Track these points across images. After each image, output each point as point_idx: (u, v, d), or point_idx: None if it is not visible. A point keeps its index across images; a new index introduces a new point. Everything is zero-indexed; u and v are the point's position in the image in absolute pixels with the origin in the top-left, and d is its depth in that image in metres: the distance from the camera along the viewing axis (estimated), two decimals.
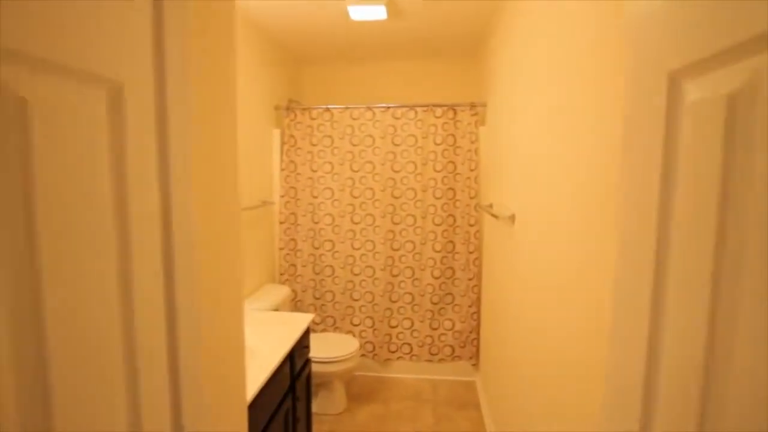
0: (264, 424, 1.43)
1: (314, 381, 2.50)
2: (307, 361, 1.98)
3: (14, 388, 0.38)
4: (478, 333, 2.91)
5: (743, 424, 0.37)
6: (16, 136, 0.38)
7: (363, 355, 3.01)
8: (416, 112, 2.83)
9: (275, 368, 1.48)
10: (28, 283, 0.39)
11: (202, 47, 0.73)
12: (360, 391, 2.86)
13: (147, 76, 0.55)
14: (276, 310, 2.44)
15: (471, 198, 2.79)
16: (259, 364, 1.49)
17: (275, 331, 1.78)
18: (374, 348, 2.99)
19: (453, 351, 2.96)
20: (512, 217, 1.86)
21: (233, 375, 0.90)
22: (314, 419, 2.53)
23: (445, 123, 2.81)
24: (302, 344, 1.86)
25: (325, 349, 2.50)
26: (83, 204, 0.46)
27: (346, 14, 2.34)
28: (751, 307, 0.36)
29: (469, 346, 2.92)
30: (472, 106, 2.76)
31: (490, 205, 2.46)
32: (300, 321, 1.90)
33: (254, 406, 1.31)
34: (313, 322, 3.05)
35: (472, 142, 2.77)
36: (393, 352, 3.01)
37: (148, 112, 0.56)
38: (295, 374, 1.76)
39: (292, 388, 1.73)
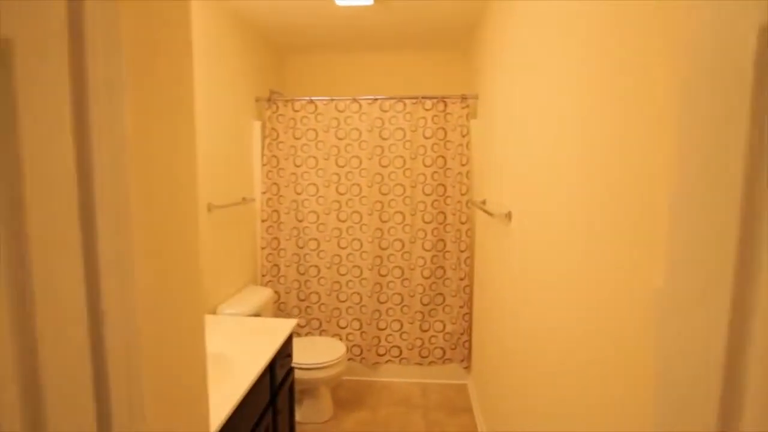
0: None
1: (298, 388, 2.36)
2: (290, 370, 1.84)
3: None
4: (469, 335, 2.80)
5: None
6: None
7: (350, 359, 2.88)
8: (405, 105, 2.70)
9: (252, 383, 1.34)
10: None
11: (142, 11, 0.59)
12: (347, 396, 2.73)
13: (54, 40, 0.41)
14: (257, 314, 2.29)
15: (462, 194, 2.67)
16: (236, 379, 1.35)
17: (254, 339, 1.64)
18: (362, 351, 2.86)
19: (444, 353, 2.85)
20: (509, 215, 1.75)
21: (191, 401, 0.76)
22: (298, 429, 2.39)
23: (435, 116, 2.69)
24: (284, 353, 1.72)
25: (310, 354, 2.36)
26: None
27: (331, 0, 2.20)
28: None
29: (460, 348, 2.81)
30: (463, 98, 2.64)
31: (483, 202, 2.35)
32: (282, 327, 1.76)
33: (228, 429, 1.17)
34: (298, 325, 2.91)
35: (463, 136, 2.65)
36: (381, 355, 2.88)
37: (58, 82, 0.41)
38: (275, 386, 1.62)
39: (272, 402, 1.60)
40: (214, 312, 2.20)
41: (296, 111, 2.77)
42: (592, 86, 0.95)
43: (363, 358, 2.86)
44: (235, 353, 1.52)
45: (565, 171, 1.15)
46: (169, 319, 0.65)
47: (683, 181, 0.44)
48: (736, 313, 0.38)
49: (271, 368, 1.58)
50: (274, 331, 1.71)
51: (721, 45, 0.40)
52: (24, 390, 0.39)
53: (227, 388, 1.29)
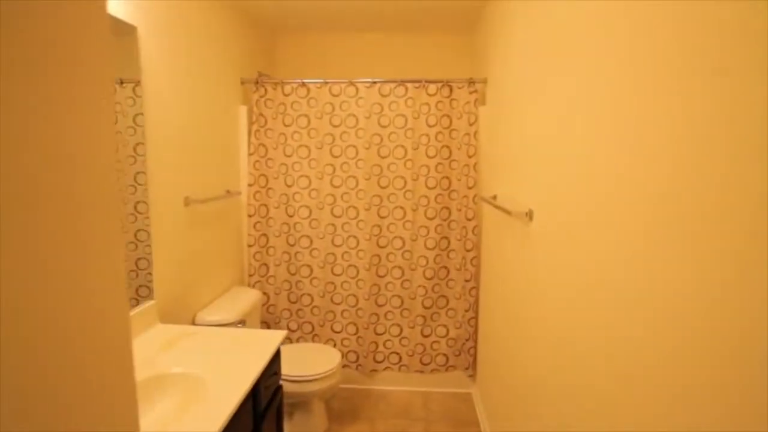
0: None
1: (289, 401, 2.13)
2: (278, 389, 1.61)
3: None
4: (475, 340, 2.58)
5: None
6: None
7: (345, 366, 2.65)
8: (407, 89, 2.45)
9: (231, 415, 1.11)
10: None
11: None
12: (342, 407, 2.51)
13: None
14: (243, 319, 2.05)
15: (469, 188, 2.44)
16: (210, 408, 1.11)
17: (235, 355, 1.40)
18: (358, 358, 2.63)
19: (447, 360, 2.63)
20: (529, 214, 1.52)
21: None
22: None
23: (440, 102, 2.44)
24: (271, 371, 1.48)
25: (302, 364, 2.13)
26: None
27: None
28: None
29: (464, 355, 2.60)
30: (471, 82, 2.39)
31: (494, 197, 2.12)
32: (269, 340, 1.52)
33: None
34: (289, 329, 2.67)
35: (471, 124, 2.41)
36: (379, 362, 2.66)
37: None
38: (259, 412, 1.39)
39: (255, 431, 1.36)
40: (192, 320, 1.96)
41: (286, 95, 2.51)
42: (658, 74, 0.71)
43: (359, 365, 2.64)
44: (211, 374, 1.28)
45: (608, 167, 0.92)
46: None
47: None
48: None
49: (254, 391, 1.35)
50: (259, 346, 1.47)
51: None
52: None
53: (199, 420, 1.06)
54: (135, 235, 1.56)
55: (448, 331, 2.61)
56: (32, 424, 0.37)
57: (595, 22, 1.01)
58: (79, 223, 0.42)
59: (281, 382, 2.00)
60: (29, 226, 0.36)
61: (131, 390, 0.51)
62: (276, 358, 1.54)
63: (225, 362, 1.36)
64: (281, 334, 1.58)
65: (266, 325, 2.65)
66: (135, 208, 1.56)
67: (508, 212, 1.62)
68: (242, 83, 2.50)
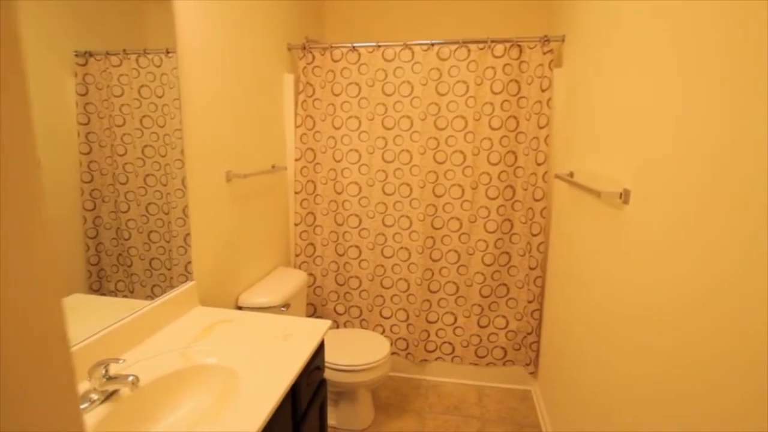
0: None
1: (335, 390, 2.01)
2: (321, 385, 1.46)
3: None
4: (538, 335, 2.32)
5: None
6: None
7: (395, 353, 2.50)
8: (469, 51, 2.16)
9: (264, 423, 0.96)
10: None
11: None
12: (390, 397, 2.36)
13: None
14: (288, 303, 1.93)
15: (538, 164, 2.14)
16: (242, 409, 0.97)
17: (275, 348, 1.26)
18: (408, 346, 2.46)
19: (505, 354, 2.40)
20: (624, 195, 1.23)
21: None
22: None
23: (507, 64, 2.13)
24: (313, 365, 1.33)
25: (349, 353, 1.99)
26: None
27: None
28: None
29: (525, 350, 2.35)
30: (545, 41, 2.06)
31: (571, 174, 1.82)
32: (312, 331, 1.37)
33: None
34: (336, 312, 2.54)
35: (544, 90, 2.09)
36: (431, 351, 2.48)
37: None
38: (299, 413, 1.24)
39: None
40: (235, 302, 1.85)
41: (336, 61, 2.30)
42: None
43: (409, 353, 2.47)
44: (246, 368, 1.15)
45: (731, 142, 0.63)
46: None
47: None
48: None
49: (294, 389, 1.20)
50: (301, 337, 1.32)
51: None
52: None
53: (231, 421, 0.92)
54: (183, 211, 1.48)
55: (507, 322, 2.37)
56: None
57: None
58: None
59: (327, 369, 1.87)
60: None
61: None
62: (320, 350, 1.39)
63: (263, 354, 1.22)
64: (326, 324, 1.42)
65: (312, 307, 2.53)
66: (183, 183, 1.46)
67: (595, 193, 1.34)
68: (289, 49, 2.32)
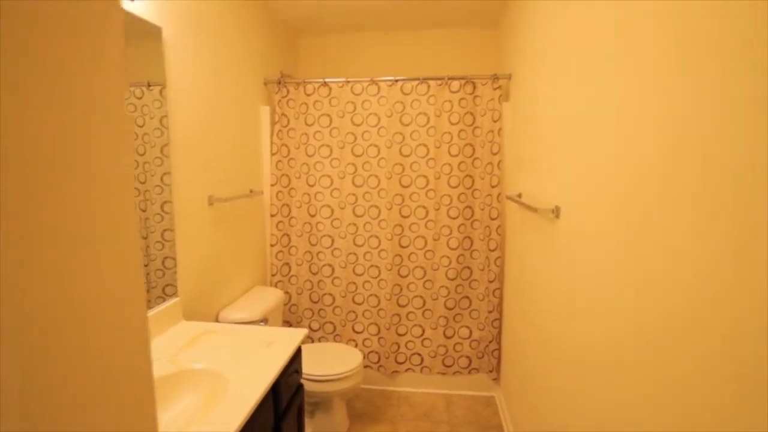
0: None
1: (310, 400, 2.13)
2: (299, 388, 1.60)
3: None
4: (499, 342, 2.52)
5: None
6: None
7: (367, 366, 2.63)
8: (429, 86, 2.42)
9: (251, 411, 1.10)
10: None
11: None
12: (364, 408, 2.49)
13: None
14: (265, 318, 2.06)
15: (493, 187, 2.39)
16: (231, 404, 1.11)
17: (257, 352, 1.40)
18: (380, 359, 2.61)
19: (470, 362, 2.58)
20: (556, 210, 1.47)
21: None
22: None
23: (463, 99, 2.40)
24: (291, 368, 1.47)
25: (324, 363, 2.12)
26: None
27: None
28: None
29: (488, 357, 2.54)
30: (495, 78, 2.34)
31: (519, 195, 2.06)
32: (290, 338, 1.51)
33: None
34: (310, 329, 2.67)
35: (495, 121, 2.36)
36: (401, 363, 2.63)
37: None
38: (280, 410, 1.38)
39: (276, 429, 1.36)
40: (216, 317, 1.97)
41: (308, 95, 2.51)
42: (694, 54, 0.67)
43: (381, 366, 2.61)
44: (232, 371, 1.28)
45: (635, 162, 0.87)
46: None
47: None
48: None
49: (275, 389, 1.34)
50: (280, 343, 1.47)
51: None
52: None
53: (220, 415, 1.05)
54: (162, 235, 1.58)
55: (471, 332, 2.56)
56: (47, 425, 0.36)
57: (615, 18, 0.96)
58: (98, 222, 0.41)
59: (303, 381, 1.99)
60: (50, 226, 0.36)
61: (149, 388, 0.50)
62: (297, 356, 1.54)
63: (246, 359, 1.36)
64: (302, 332, 1.57)
65: (288, 324, 2.66)
66: (162, 208, 1.58)
67: (533, 210, 1.57)
68: (265, 84, 2.52)
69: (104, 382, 0.43)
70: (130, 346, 0.48)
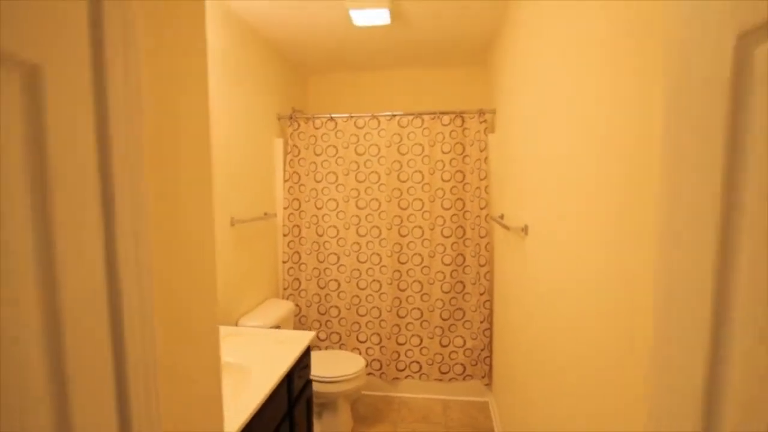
0: None
1: (318, 401, 2.37)
2: (308, 383, 1.86)
3: None
4: (490, 350, 2.75)
5: None
6: None
7: (370, 374, 2.87)
8: (423, 120, 2.74)
9: (269, 392, 1.37)
10: None
11: (161, 43, 0.64)
12: (366, 411, 2.72)
13: (79, 65, 0.45)
14: (278, 326, 2.33)
15: (481, 209, 2.67)
16: (253, 388, 1.37)
17: (273, 350, 1.67)
18: (381, 366, 2.85)
19: (464, 369, 2.81)
20: (525, 228, 1.74)
21: (207, 411, 0.79)
22: None
23: (453, 131, 2.71)
24: (302, 364, 1.74)
25: (330, 367, 2.37)
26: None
27: (349, 20, 2.27)
28: None
29: (481, 365, 2.77)
30: (481, 113, 2.66)
31: (502, 216, 2.34)
32: (300, 339, 1.78)
33: None
34: (318, 338, 2.93)
35: (482, 150, 2.66)
36: (401, 370, 2.87)
37: (82, 103, 0.46)
38: (293, 397, 1.64)
39: (289, 413, 1.61)
40: (236, 324, 2.25)
41: (317, 128, 2.84)
42: (612, 90, 0.96)
43: (383, 372, 2.85)
44: (253, 363, 1.55)
45: (579, 184, 1.15)
46: (182, 322, 0.69)
47: (670, 186, 0.45)
48: (714, 332, 0.39)
49: (288, 379, 1.60)
50: (292, 343, 1.74)
51: (698, 56, 0.41)
52: (51, 383, 0.42)
53: (245, 397, 1.32)
54: None
55: (465, 341, 2.80)
56: (167, 388, 0.64)
57: (576, 62, 1.26)
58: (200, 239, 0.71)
59: (312, 381, 2.24)
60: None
61: (218, 383, 0.79)
62: (307, 353, 1.80)
63: (264, 355, 1.63)
64: (310, 334, 1.84)
65: None
66: None
67: (507, 228, 1.85)
68: (279, 119, 2.85)
69: (199, 362, 0.72)
70: (210, 341, 0.76)
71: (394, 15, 2.20)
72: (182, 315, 0.69)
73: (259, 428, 1.32)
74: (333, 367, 2.37)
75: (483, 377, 2.77)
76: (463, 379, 2.82)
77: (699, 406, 0.39)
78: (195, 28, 0.72)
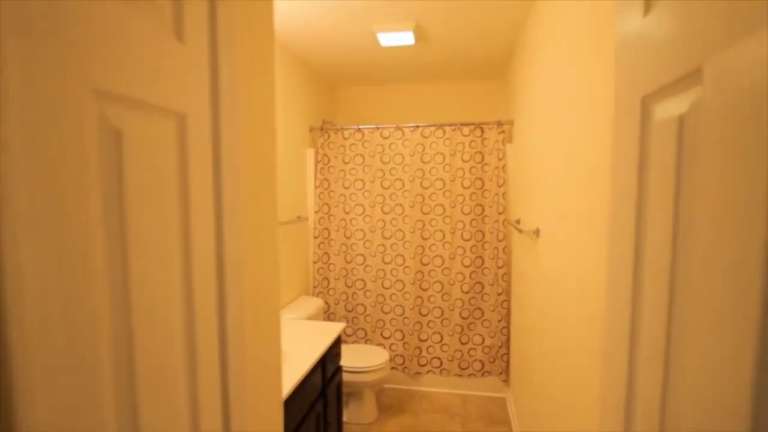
0: (296, 424, 1.52)
1: (345, 390, 2.58)
2: (338, 369, 2.07)
3: (113, 380, 0.49)
4: (508, 348, 2.91)
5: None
6: (113, 158, 0.51)
7: (393, 368, 3.06)
8: (444, 131, 2.93)
9: (307, 371, 1.58)
10: (120, 277, 0.51)
11: (249, 82, 0.86)
12: (390, 402, 2.91)
13: (205, 108, 0.68)
14: (311, 319, 2.55)
15: (499, 214, 2.84)
16: (293, 368, 1.59)
17: (308, 338, 1.89)
18: (404, 361, 3.04)
19: (483, 366, 2.97)
20: (537, 232, 1.91)
21: (271, 376, 1.00)
22: (345, 429, 2.60)
23: (473, 141, 2.89)
24: (333, 351, 1.95)
25: (357, 359, 2.58)
26: (158, 209, 0.58)
27: (376, 41, 2.49)
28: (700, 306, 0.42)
29: (499, 362, 2.92)
30: (499, 123, 2.83)
31: (518, 221, 2.50)
32: (331, 329, 2.00)
33: (288, 404, 1.41)
34: (345, 333, 3.15)
35: (500, 159, 2.83)
36: (423, 365, 3.05)
37: (206, 135, 0.68)
38: (326, 380, 1.85)
39: (323, 393, 1.82)
40: None
41: (345, 139, 3.07)
42: (601, 111, 1.14)
43: (405, 367, 3.04)
44: (291, 349, 1.77)
45: (581, 191, 1.32)
46: (262, 317, 0.91)
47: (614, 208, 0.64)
48: (631, 342, 0.57)
49: (322, 363, 1.81)
50: (324, 332, 1.95)
51: (624, 109, 0.60)
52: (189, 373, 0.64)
53: (286, 374, 1.54)
54: None
55: (483, 339, 2.96)
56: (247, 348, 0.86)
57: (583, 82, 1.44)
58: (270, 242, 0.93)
59: (341, 369, 2.45)
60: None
61: (279, 365, 1.00)
62: (337, 342, 2.01)
63: (301, 343, 1.84)
64: (341, 324, 2.05)
65: None
66: None
67: (520, 231, 2.02)
68: (310, 130, 3.10)
69: (267, 339, 0.93)
70: (274, 324, 0.98)
71: (417, 37, 2.41)
72: (259, 300, 0.90)
73: (300, 399, 1.53)
74: (360, 359, 2.58)
75: (500, 374, 2.92)
76: (482, 375, 2.97)
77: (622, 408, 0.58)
78: (267, 68, 0.95)
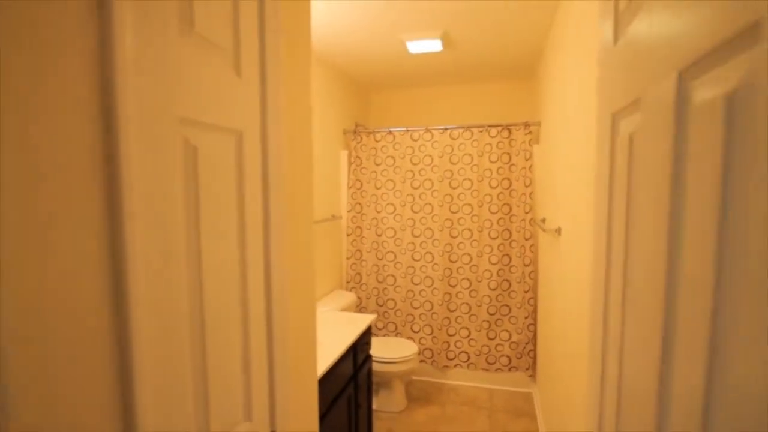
0: (329, 403, 1.68)
1: (376, 380, 2.73)
2: (368, 357, 2.22)
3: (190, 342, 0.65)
4: (534, 345, 2.97)
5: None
6: (191, 169, 0.67)
7: (422, 361, 3.19)
8: (472, 133, 3.02)
9: (340, 355, 1.74)
10: (197, 271, 0.67)
11: (290, 100, 1.02)
12: (419, 394, 3.04)
13: (256, 124, 0.84)
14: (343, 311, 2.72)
15: (526, 213, 2.90)
16: (326, 353, 1.75)
17: (341, 328, 2.05)
18: (433, 354, 3.16)
19: (510, 361, 3.04)
20: (558, 230, 1.98)
21: (308, 357, 1.15)
22: (375, 416, 2.75)
23: (500, 142, 2.97)
24: (364, 340, 2.10)
25: (387, 350, 2.72)
26: (224, 209, 0.74)
27: (406, 48, 2.62)
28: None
29: (525, 357, 2.99)
30: (526, 125, 2.90)
31: (543, 220, 2.57)
32: (362, 320, 2.15)
33: (322, 382, 1.57)
34: (376, 327, 3.30)
35: (527, 160, 2.90)
36: (451, 359, 3.16)
37: (256, 146, 0.84)
38: (357, 366, 2.00)
39: (354, 378, 1.98)
40: None
41: (377, 141, 3.22)
42: None
43: (434, 360, 3.16)
44: (326, 337, 1.93)
45: (591, 192, 1.40)
46: (301, 305, 1.06)
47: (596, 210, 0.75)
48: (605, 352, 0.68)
49: (353, 350, 1.97)
50: (355, 322, 2.11)
51: (602, 122, 0.71)
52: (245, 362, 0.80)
53: (320, 358, 1.70)
54: None
55: (510, 335, 3.04)
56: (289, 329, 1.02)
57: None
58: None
59: (371, 356, 2.61)
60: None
61: (314, 350, 1.16)
62: (368, 332, 2.16)
63: (335, 331, 2.00)
64: (372, 316, 2.20)
65: None
66: None
67: (544, 230, 2.10)
68: (344, 133, 3.27)
69: (305, 324, 1.09)
70: (311, 312, 1.13)
71: (445, 43, 2.52)
72: (297, 287, 1.06)
73: (333, 379, 1.69)
74: (390, 350, 2.72)
75: (527, 369, 2.99)
76: (509, 370, 3.05)
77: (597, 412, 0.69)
78: (304, 85, 1.10)
